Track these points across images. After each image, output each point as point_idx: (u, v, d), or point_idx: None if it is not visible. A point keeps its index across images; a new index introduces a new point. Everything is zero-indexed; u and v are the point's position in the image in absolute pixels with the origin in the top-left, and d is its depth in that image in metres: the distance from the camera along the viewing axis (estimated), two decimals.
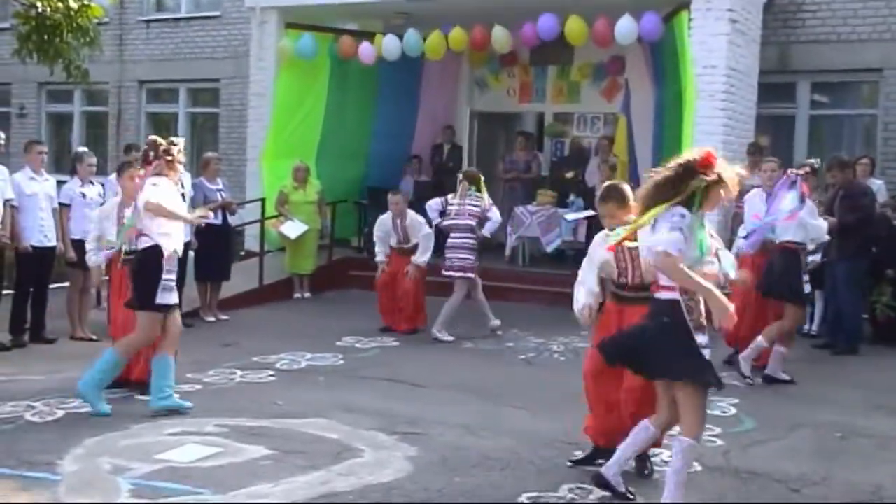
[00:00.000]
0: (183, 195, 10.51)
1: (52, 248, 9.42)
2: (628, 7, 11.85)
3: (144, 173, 6.90)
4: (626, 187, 5.64)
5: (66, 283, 9.83)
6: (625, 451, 5.18)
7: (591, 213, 11.72)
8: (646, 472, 5.62)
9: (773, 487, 5.46)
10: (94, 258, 7.86)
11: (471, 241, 10.23)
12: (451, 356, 9.33)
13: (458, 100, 16.09)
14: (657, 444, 5.58)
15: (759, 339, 8.16)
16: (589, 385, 5.67)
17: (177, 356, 7.13)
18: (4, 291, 9.73)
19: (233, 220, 11.59)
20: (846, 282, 9.62)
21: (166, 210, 6.70)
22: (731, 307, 4.64)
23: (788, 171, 8.43)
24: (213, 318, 10.92)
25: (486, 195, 10.53)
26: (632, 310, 5.46)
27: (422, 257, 10.33)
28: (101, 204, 9.90)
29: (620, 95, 14.63)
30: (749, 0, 12.20)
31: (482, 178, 10.63)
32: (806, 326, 10.29)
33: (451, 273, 10.22)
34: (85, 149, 10.60)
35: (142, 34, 19.04)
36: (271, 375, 8.16)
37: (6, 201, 9.00)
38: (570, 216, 12.57)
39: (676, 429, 4.97)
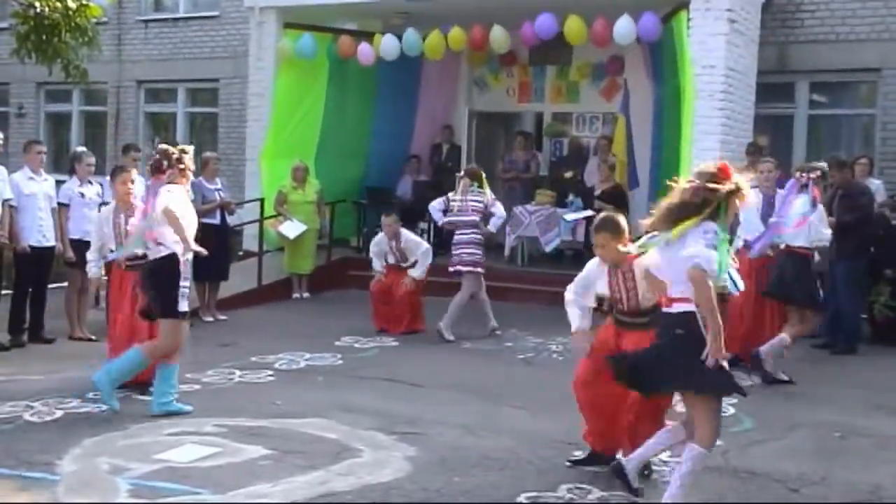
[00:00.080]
0: None
1: (51, 248, 9.42)
2: (627, 7, 11.85)
3: (155, 181, 6.88)
4: (621, 218, 5.65)
5: (65, 283, 9.83)
6: (652, 448, 5.15)
7: (590, 213, 11.74)
8: (645, 472, 5.61)
9: (773, 487, 5.46)
10: (95, 269, 7.85)
11: (476, 237, 10.24)
12: (450, 356, 9.33)
13: (457, 99, 16.09)
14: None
15: (785, 337, 8.13)
16: (579, 394, 5.69)
17: None
18: (3, 291, 9.74)
19: (231, 220, 11.59)
20: (845, 281, 9.62)
21: (178, 224, 6.69)
22: (724, 351, 4.70)
23: (799, 174, 8.36)
24: (211, 318, 10.91)
25: (488, 191, 10.54)
26: (630, 335, 5.50)
27: (419, 271, 10.35)
28: (100, 204, 9.95)
29: (619, 95, 14.63)
30: (747, 0, 12.21)
31: (483, 175, 10.62)
32: None
33: (460, 268, 10.22)
34: (84, 149, 10.60)
35: (140, 34, 19.03)
36: (270, 375, 8.15)
37: (5, 201, 9.00)
38: (570, 216, 12.57)
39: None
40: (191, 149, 7.13)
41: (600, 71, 14.95)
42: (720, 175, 4.83)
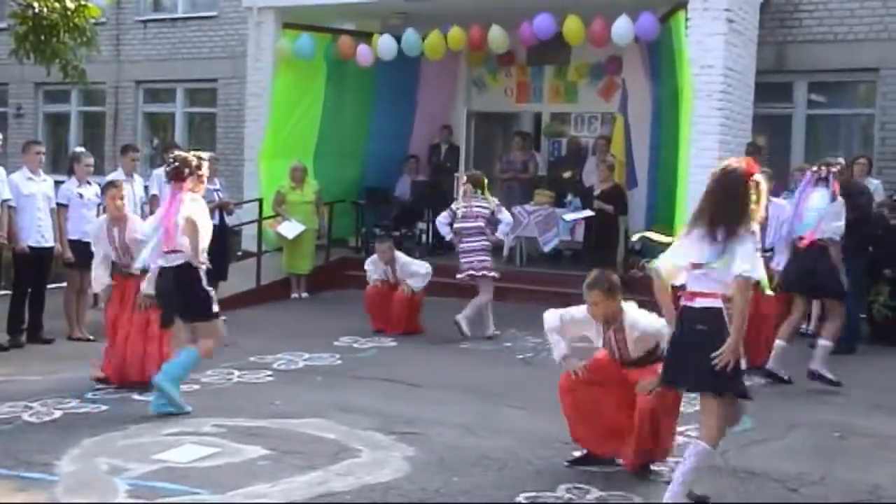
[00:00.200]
0: None
1: (50, 249, 9.41)
2: (625, 7, 11.85)
3: (175, 188, 6.89)
4: (615, 277, 5.65)
5: (64, 284, 9.82)
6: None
7: (589, 213, 11.73)
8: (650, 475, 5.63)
9: (772, 487, 5.46)
10: (104, 280, 7.82)
11: (485, 243, 10.23)
12: (448, 356, 9.33)
13: (455, 100, 16.09)
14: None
15: (825, 341, 8.11)
16: (565, 399, 5.71)
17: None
18: (2, 292, 9.74)
19: (230, 221, 11.59)
20: None
21: (196, 236, 6.74)
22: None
23: (818, 167, 8.26)
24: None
25: (491, 197, 10.54)
26: (632, 372, 5.57)
27: (418, 283, 10.35)
28: (99, 204, 9.94)
29: (618, 95, 14.63)
30: (745, 0, 12.21)
31: (486, 181, 10.62)
32: (803, 326, 10.29)
33: (473, 273, 10.21)
34: (82, 149, 10.58)
35: (139, 34, 19.03)
36: (269, 375, 8.15)
37: (4, 202, 9.00)
38: (569, 216, 12.57)
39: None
40: (207, 155, 7.18)
41: (598, 71, 14.94)
42: (749, 172, 4.87)
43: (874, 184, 11.14)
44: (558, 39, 12.72)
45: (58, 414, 6.74)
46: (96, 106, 19.84)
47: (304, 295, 12.85)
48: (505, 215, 10.51)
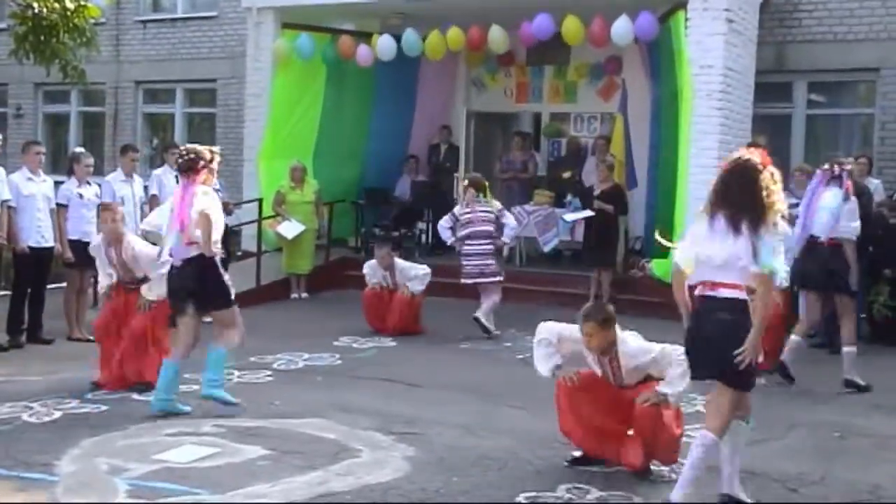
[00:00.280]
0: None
1: (50, 249, 9.41)
2: (625, 7, 11.85)
3: (188, 181, 6.90)
4: (610, 308, 5.65)
5: (63, 284, 9.82)
6: (730, 464, 5.08)
7: (589, 213, 11.73)
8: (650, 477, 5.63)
9: (772, 487, 5.45)
10: (106, 284, 7.81)
11: (489, 247, 10.24)
12: (448, 356, 9.33)
13: (454, 100, 16.08)
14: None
15: (849, 349, 8.07)
16: (563, 402, 5.70)
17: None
18: (2, 292, 9.73)
19: (230, 221, 11.56)
20: None
21: (209, 229, 6.77)
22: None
23: (829, 165, 8.22)
24: (209, 319, 10.86)
25: (494, 201, 10.55)
26: (628, 392, 5.59)
27: (418, 286, 10.34)
28: (99, 205, 9.93)
29: (617, 95, 14.63)
30: (745, 0, 12.21)
31: (487, 185, 10.64)
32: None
33: (481, 280, 10.23)
34: (82, 149, 10.60)
35: (138, 34, 19.02)
36: (269, 375, 8.15)
37: (3, 202, 9.00)
38: (569, 217, 12.56)
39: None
40: (217, 149, 7.19)
41: (598, 71, 14.94)
42: (765, 164, 4.90)
43: (874, 184, 11.14)
44: (558, 39, 12.72)
45: (58, 414, 6.74)
46: (96, 106, 19.84)
47: (304, 295, 12.85)
48: (509, 219, 10.56)
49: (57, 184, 9.92)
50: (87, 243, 9.64)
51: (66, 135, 20.31)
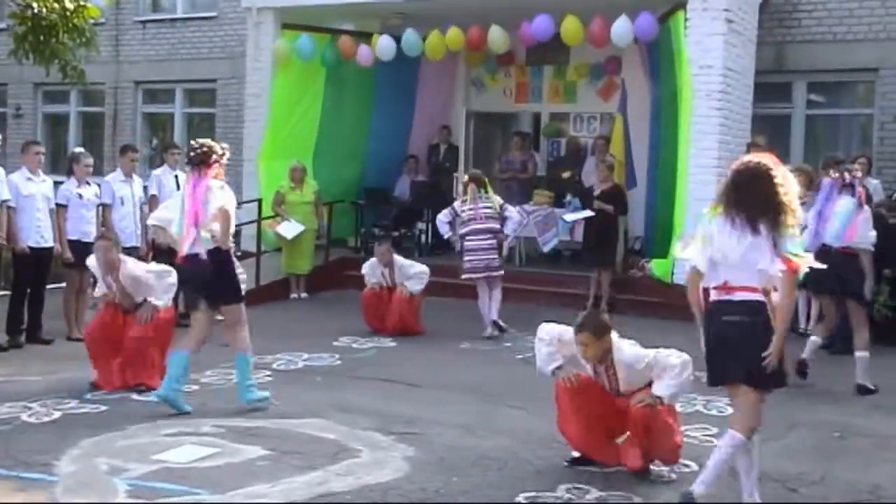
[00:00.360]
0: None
1: (49, 249, 9.40)
2: (625, 7, 11.85)
3: (199, 174, 6.93)
4: (605, 317, 5.65)
5: (63, 284, 9.82)
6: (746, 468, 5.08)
7: (589, 213, 11.72)
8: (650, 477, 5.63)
9: (771, 486, 5.45)
10: (103, 290, 7.82)
11: (492, 241, 10.30)
12: (448, 356, 9.32)
13: (454, 100, 16.08)
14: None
15: (863, 353, 8.07)
16: (562, 403, 5.70)
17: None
18: (1, 292, 9.73)
19: None
20: None
21: (227, 224, 6.90)
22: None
23: (838, 174, 8.15)
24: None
25: (494, 196, 10.58)
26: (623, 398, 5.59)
27: (416, 285, 10.34)
28: (98, 205, 9.94)
29: (617, 95, 14.64)
30: (745, 0, 12.21)
31: (486, 180, 10.67)
32: (802, 326, 10.29)
33: (490, 274, 10.28)
34: (81, 149, 10.59)
35: (138, 35, 19.03)
36: (268, 376, 8.14)
37: (3, 202, 8.99)
38: (569, 217, 12.56)
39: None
40: (226, 146, 7.26)
41: (598, 71, 14.94)
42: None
43: (873, 184, 11.15)
44: (557, 39, 12.72)
45: (57, 414, 6.74)
46: (95, 106, 19.85)
47: (304, 295, 12.85)
48: (512, 212, 10.61)
49: (56, 184, 9.92)
50: (87, 243, 9.65)
51: (66, 135, 20.32)
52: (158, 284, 7.62)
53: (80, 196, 9.69)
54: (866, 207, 8.18)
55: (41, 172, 9.57)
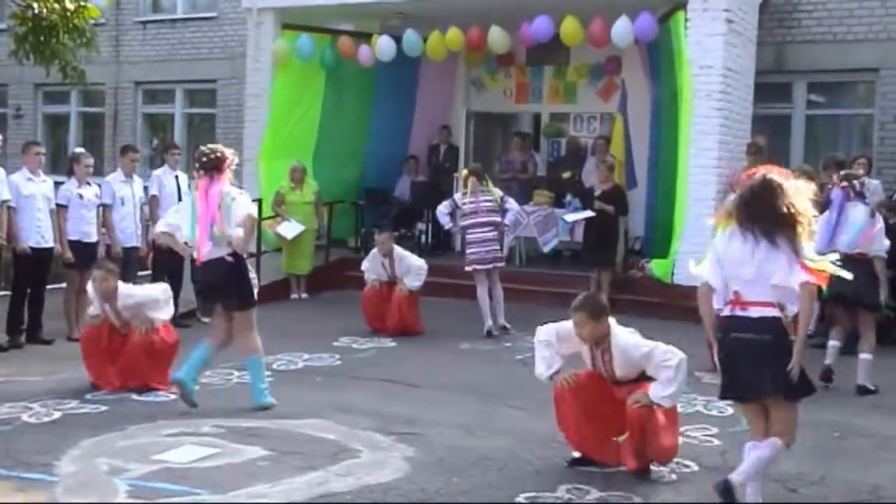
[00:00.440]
0: (180, 194, 10.64)
1: (50, 250, 9.41)
2: (625, 7, 11.84)
3: (212, 180, 6.96)
4: (603, 298, 5.69)
5: (63, 285, 9.82)
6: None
7: (590, 213, 11.73)
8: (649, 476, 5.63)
9: (771, 487, 5.44)
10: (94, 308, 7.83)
11: (494, 233, 10.44)
12: (448, 356, 9.32)
13: (454, 100, 16.08)
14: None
15: (866, 355, 8.07)
16: (561, 405, 5.70)
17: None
18: (1, 293, 9.73)
19: None
20: None
21: (252, 232, 7.10)
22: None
23: (848, 183, 8.17)
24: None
25: (494, 189, 10.68)
26: (622, 390, 5.61)
27: (414, 281, 10.35)
28: (99, 205, 9.94)
29: (617, 95, 14.64)
30: (745, 0, 12.21)
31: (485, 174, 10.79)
32: (811, 328, 10.29)
33: (496, 265, 10.43)
34: (82, 150, 10.60)
35: (138, 35, 19.03)
36: (268, 376, 8.11)
37: (3, 202, 8.99)
38: (570, 217, 12.56)
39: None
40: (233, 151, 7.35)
41: (598, 71, 14.94)
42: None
43: (873, 184, 11.12)
44: (557, 40, 12.72)
45: (57, 415, 6.74)
46: (96, 107, 19.85)
47: (304, 295, 12.85)
48: (512, 203, 10.73)
49: (57, 184, 9.92)
50: (87, 244, 9.69)
51: (66, 135, 20.33)
52: (156, 304, 7.64)
53: (81, 196, 9.69)
54: (879, 216, 8.21)
55: (41, 173, 9.58)
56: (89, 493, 5.17)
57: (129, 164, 10.36)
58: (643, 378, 5.56)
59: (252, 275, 7.18)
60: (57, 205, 9.53)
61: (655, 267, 11.50)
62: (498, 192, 10.67)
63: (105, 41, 17.34)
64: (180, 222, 7.10)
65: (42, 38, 12.08)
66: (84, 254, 9.62)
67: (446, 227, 10.87)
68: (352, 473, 5.55)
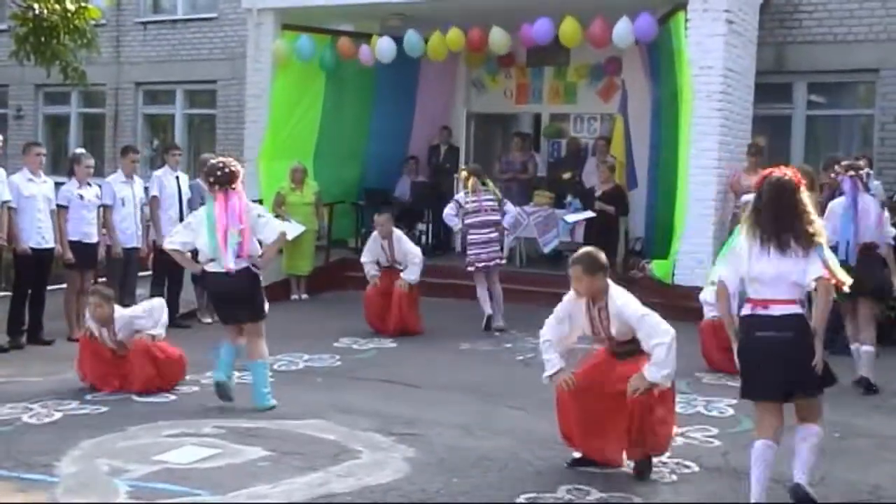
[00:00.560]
0: (181, 195, 10.65)
1: (50, 250, 9.41)
2: (625, 8, 11.84)
3: (226, 193, 6.99)
4: (602, 256, 5.71)
5: (64, 285, 9.82)
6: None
7: (590, 214, 11.74)
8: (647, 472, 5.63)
9: (772, 487, 5.44)
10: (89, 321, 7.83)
11: (494, 234, 10.56)
12: (448, 357, 9.32)
13: (454, 101, 16.08)
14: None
15: (869, 347, 8.06)
16: (562, 406, 5.71)
17: None
18: (2, 293, 9.73)
19: None
20: None
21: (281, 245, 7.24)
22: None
23: (855, 173, 8.23)
24: (209, 320, 10.87)
25: (494, 188, 10.74)
26: (621, 365, 5.65)
27: (412, 276, 10.36)
28: (99, 206, 9.94)
29: (617, 96, 14.63)
30: (745, 1, 12.21)
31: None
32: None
33: (498, 262, 10.60)
34: (82, 150, 10.60)
35: (139, 36, 19.04)
36: (269, 377, 8.13)
37: (4, 203, 9.00)
38: (570, 218, 12.57)
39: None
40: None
41: (598, 72, 14.94)
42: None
43: (874, 184, 11.13)
44: (558, 41, 12.72)
45: (58, 415, 6.75)
46: (96, 107, 19.87)
47: (304, 296, 12.85)
48: (509, 206, 10.88)
49: (57, 185, 9.92)
50: (88, 244, 9.69)
51: (67, 136, 20.34)
52: (151, 321, 7.64)
53: (81, 197, 9.70)
54: (884, 207, 8.31)
55: (42, 173, 9.58)
56: (90, 493, 5.18)
57: (130, 164, 10.36)
58: (636, 347, 5.58)
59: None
60: (57, 205, 9.54)
61: (656, 267, 11.50)
62: (498, 192, 10.79)
63: (105, 42, 17.34)
64: (193, 239, 7.14)
65: (43, 39, 12.08)
66: (84, 254, 9.63)
67: (456, 228, 10.95)
68: (352, 474, 5.56)
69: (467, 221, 10.57)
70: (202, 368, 8.16)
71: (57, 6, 11.97)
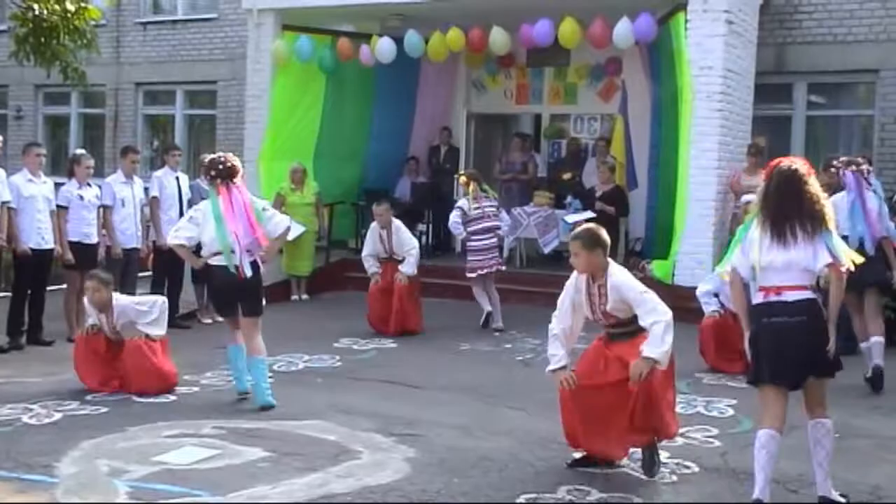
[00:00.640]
0: (181, 196, 10.65)
1: (50, 251, 9.40)
2: (625, 9, 11.84)
3: (229, 188, 7.06)
4: (603, 233, 5.71)
5: (64, 286, 9.82)
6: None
7: (591, 214, 11.74)
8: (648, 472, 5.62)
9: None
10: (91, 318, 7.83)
11: (494, 240, 10.71)
12: (448, 357, 9.32)
13: (455, 101, 16.06)
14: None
15: (878, 338, 8.05)
16: (567, 404, 5.70)
17: None
18: (2, 294, 9.72)
19: None
20: None
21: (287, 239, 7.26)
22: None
23: (856, 168, 8.24)
24: (210, 321, 10.87)
25: (493, 192, 10.87)
26: (618, 346, 5.65)
27: (409, 268, 10.37)
28: (99, 206, 9.93)
29: (617, 96, 14.63)
30: (745, 1, 12.22)
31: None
32: None
33: (489, 272, 10.63)
34: (82, 151, 10.60)
35: (139, 36, 19.04)
36: (269, 377, 8.13)
37: (4, 203, 8.99)
38: (571, 218, 12.54)
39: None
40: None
41: (598, 72, 14.94)
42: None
43: (875, 181, 11.12)
44: (558, 41, 12.71)
45: (58, 416, 6.74)
46: (96, 108, 19.87)
47: (304, 297, 12.85)
48: (503, 215, 10.98)
49: (57, 185, 9.92)
50: (88, 245, 9.69)
51: (67, 136, 20.34)
52: (151, 316, 7.61)
53: (81, 197, 9.70)
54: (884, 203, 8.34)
55: (42, 174, 9.57)
56: (90, 494, 5.18)
57: (130, 165, 10.36)
58: (631, 329, 5.59)
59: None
60: (57, 206, 9.53)
61: (656, 268, 11.50)
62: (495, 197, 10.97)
63: (105, 42, 17.35)
64: (197, 234, 7.16)
65: (43, 40, 12.09)
66: (84, 255, 9.62)
67: (461, 236, 11.01)
68: (352, 474, 5.55)
69: (470, 228, 10.63)
70: (202, 369, 8.19)
71: (57, 6, 11.98)
